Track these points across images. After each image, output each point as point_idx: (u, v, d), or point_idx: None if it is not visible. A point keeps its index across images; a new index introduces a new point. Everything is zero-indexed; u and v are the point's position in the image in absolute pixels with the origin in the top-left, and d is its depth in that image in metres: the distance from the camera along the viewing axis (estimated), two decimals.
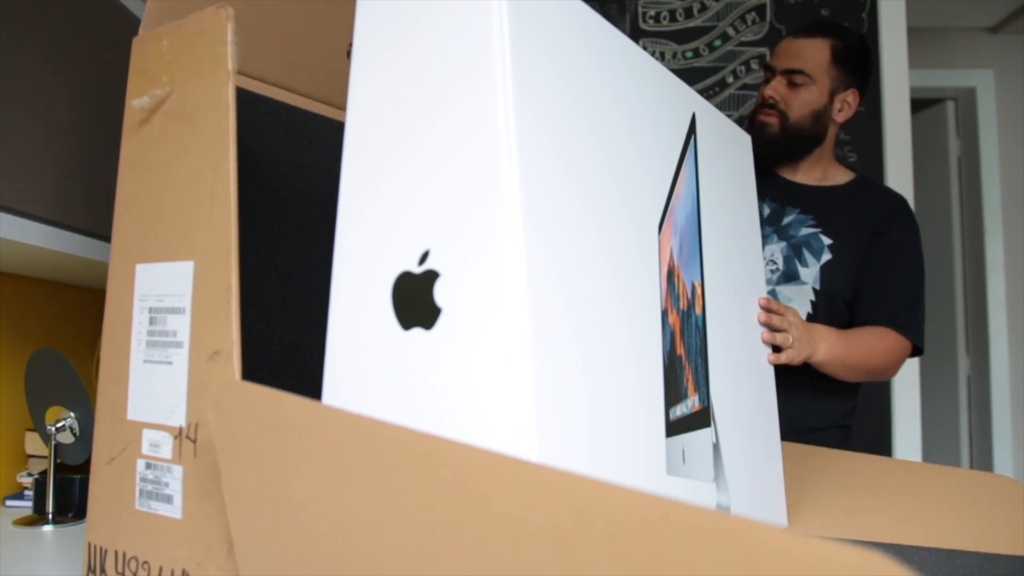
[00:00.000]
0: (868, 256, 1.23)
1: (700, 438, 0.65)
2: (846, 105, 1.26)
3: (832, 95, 1.24)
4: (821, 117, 1.25)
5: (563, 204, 0.47)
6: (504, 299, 0.42)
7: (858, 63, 1.26)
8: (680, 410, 0.61)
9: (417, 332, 0.45)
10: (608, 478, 0.48)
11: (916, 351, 1.22)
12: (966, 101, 3.15)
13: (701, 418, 0.66)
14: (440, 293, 0.44)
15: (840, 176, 1.31)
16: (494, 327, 0.42)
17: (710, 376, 0.69)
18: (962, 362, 3.14)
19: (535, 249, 0.43)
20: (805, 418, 1.20)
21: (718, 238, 0.76)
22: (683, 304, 0.65)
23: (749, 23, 2.15)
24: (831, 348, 1.08)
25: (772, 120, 1.24)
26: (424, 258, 0.45)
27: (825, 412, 1.24)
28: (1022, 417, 2.96)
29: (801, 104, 1.23)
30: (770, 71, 1.26)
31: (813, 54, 1.23)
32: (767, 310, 0.85)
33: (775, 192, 1.28)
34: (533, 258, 0.43)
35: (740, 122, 1.32)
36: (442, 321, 0.44)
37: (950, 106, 3.23)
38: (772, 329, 0.87)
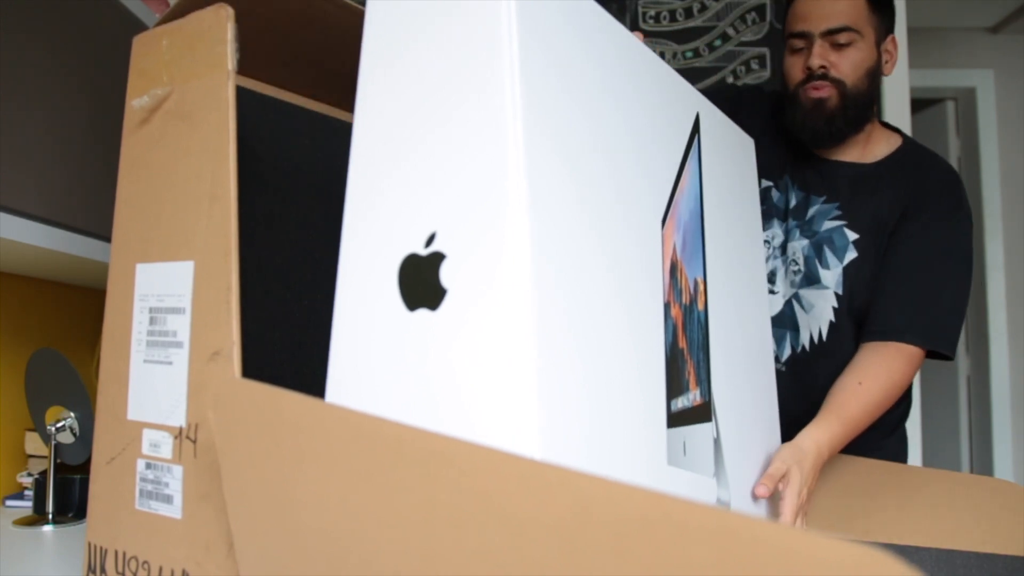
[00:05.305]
0: (892, 243, 1.04)
1: (701, 432, 0.65)
2: (890, 56, 1.09)
3: (878, 47, 1.06)
4: (876, 75, 1.06)
5: (568, 193, 0.48)
6: (510, 280, 0.42)
7: (888, 4, 1.08)
8: (681, 403, 0.61)
9: (423, 313, 0.46)
10: (607, 464, 0.48)
11: (935, 355, 1.01)
12: (966, 101, 3.15)
13: (702, 412, 0.66)
14: (446, 275, 0.45)
15: (882, 147, 1.10)
16: (500, 308, 0.43)
17: (712, 372, 0.70)
18: (962, 362, 3.14)
19: (541, 233, 0.44)
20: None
21: (721, 238, 0.77)
22: (685, 299, 0.65)
23: (749, 23, 2.16)
24: (833, 443, 0.88)
25: (828, 92, 1.03)
26: (431, 240, 0.46)
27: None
28: (1022, 417, 2.96)
29: (855, 66, 1.04)
30: (802, 37, 1.05)
31: (850, 5, 1.03)
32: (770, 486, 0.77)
33: (804, 176, 1.10)
34: (539, 241, 0.44)
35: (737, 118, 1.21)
36: (448, 302, 0.45)
37: (950, 106, 3.23)
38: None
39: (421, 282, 0.46)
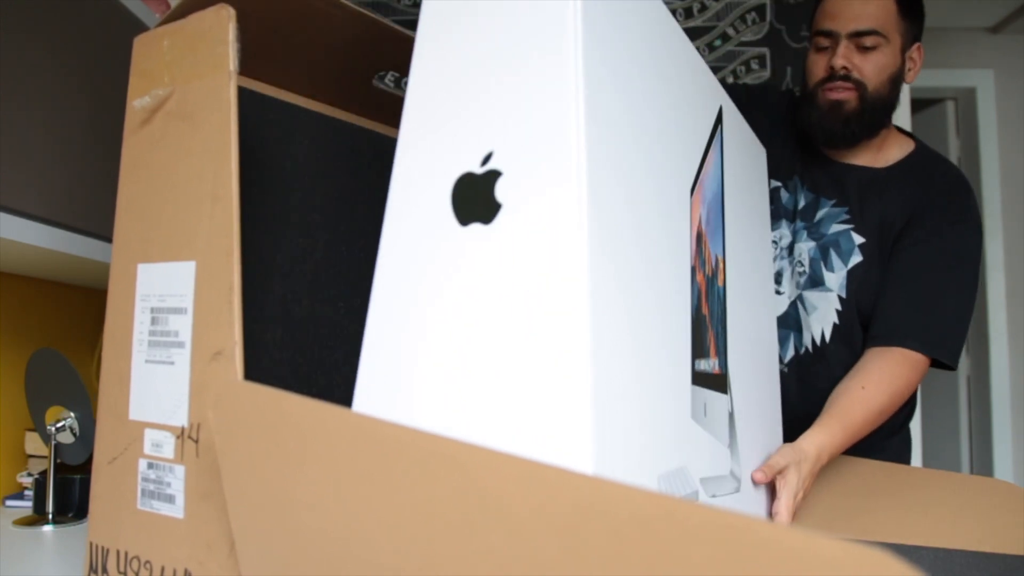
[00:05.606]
0: (898, 247, 1.03)
1: (719, 400, 0.66)
2: (914, 64, 1.08)
3: (903, 54, 1.06)
4: (897, 82, 1.06)
5: (623, 130, 0.50)
6: (567, 190, 0.44)
7: (920, 11, 1.07)
8: (703, 365, 0.62)
9: (475, 227, 0.47)
10: (639, 386, 0.49)
11: (939, 364, 0.99)
12: (966, 101, 3.16)
13: (720, 382, 0.67)
14: (502, 190, 0.46)
15: (895, 152, 1.10)
16: (555, 216, 0.44)
17: (728, 350, 0.71)
18: (962, 362, 3.15)
19: (598, 153, 0.45)
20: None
21: (736, 230, 0.78)
22: (708, 270, 0.66)
23: (749, 23, 2.16)
24: (833, 449, 0.88)
25: (848, 95, 1.03)
26: (487, 159, 0.47)
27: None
28: (1022, 417, 2.96)
29: (878, 70, 1.03)
30: (827, 36, 1.04)
31: (880, 9, 1.02)
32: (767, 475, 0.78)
33: (814, 178, 1.10)
34: (596, 158, 0.45)
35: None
36: (502, 215, 0.46)
37: (950, 106, 3.23)
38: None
39: (475, 198, 0.47)
